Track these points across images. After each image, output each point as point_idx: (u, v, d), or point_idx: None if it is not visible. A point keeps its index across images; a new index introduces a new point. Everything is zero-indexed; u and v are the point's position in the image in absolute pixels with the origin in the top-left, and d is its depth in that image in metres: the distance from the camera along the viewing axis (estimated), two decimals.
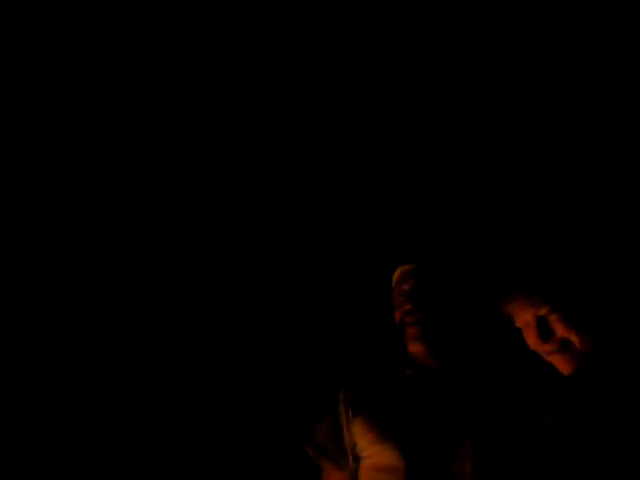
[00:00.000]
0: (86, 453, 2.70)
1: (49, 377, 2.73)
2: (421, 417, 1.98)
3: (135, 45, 2.73)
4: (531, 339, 1.67)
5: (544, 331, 1.65)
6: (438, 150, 2.76)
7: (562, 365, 1.65)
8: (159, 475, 2.69)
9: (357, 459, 2.08)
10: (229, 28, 2.73)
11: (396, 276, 2.16)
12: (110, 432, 2.70)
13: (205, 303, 2.78)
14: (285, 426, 2.64)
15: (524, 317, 1.68)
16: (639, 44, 2.53)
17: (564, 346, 1.63)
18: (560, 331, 1.63)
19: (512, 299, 1.70)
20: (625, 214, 2.41)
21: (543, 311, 1.65)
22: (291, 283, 2.80)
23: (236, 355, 2.76)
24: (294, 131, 2.82)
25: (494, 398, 1.98)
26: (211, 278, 2.80)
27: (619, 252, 2.03)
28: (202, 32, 2.73)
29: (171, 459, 2.71)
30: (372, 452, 2.02)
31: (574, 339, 1.62)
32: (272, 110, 2.80)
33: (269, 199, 2.83)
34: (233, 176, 2.83)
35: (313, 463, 2.18)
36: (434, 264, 2.12)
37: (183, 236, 2.82)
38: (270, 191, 2.83)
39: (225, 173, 2.83)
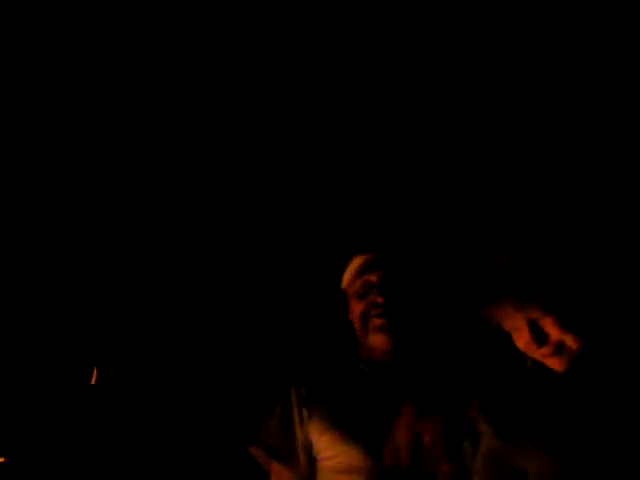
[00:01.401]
0: (86, 453, 2.65)
1: (49, 377, 2.70)
2: (382, 414, 1.86)
3: (135, 45, 2.67)
4: (523, 343, 1.60)
5: (538, 335, 1.57)
6: (401, 135, 2.75)
7: (558, 366, 1.58)
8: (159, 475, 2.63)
9: (312, 461, 1.94)
10: (229, 28, 2.67)
11: (357, 265, 2.06)
12: (110, 432, 2.66)
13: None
14: (232, 426, 2.57)
15: (514, 321, 1.61)
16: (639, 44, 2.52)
17: (559, 349, 1.55)
18: (555, 334, 1.56)
19: (500, 303, 1.63)
20: (616, 214, 2.41)
21: (535, 315, 1.57)
22: (237, 282, 2.78)
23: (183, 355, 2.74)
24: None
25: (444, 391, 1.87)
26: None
27: (610, 251, 1.97)
28: (202, 32, 2.68)
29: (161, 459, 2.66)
30: (334, 453, 1.88)
31: (569, 341, 1.55)
32: (272, 110, 2.78)
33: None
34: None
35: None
36: (399, 254, 2.05)
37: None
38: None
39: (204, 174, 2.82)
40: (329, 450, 1.88)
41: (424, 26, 2.63)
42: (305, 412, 1.96)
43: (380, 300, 1.96)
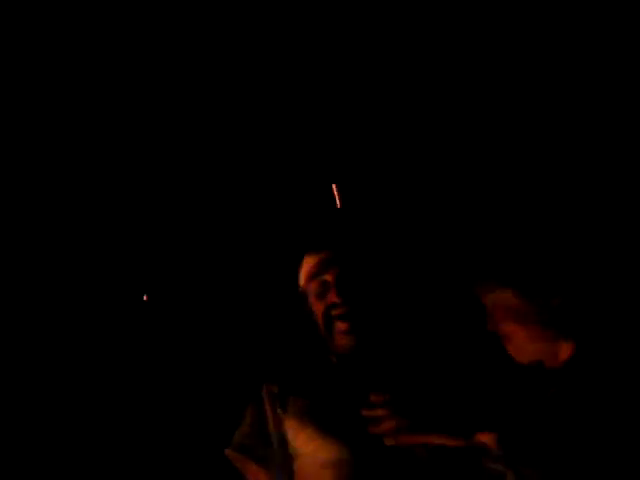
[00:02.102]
0: (86, 453, 2.66)
1: (49, 377, 2.71)
2: (356, 405, 1.80)
3: (135, 45, 2.69)
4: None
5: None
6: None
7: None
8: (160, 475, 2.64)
9: (288, 459, 1.93)
10: (229, 28, 2.69)
11: (311, 265, 2.01)
12: (110, 432, 2.67)
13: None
14: (204, 429, 2.56)
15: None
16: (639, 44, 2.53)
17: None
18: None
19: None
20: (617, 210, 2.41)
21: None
22: (204, 280, 2.78)
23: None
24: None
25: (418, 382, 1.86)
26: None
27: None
28: (202, 32, 2.70)
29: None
30: (312, 448, 1.87)
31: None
32: (271, 110, 2.77)
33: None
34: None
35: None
36: (352, 250, 2.01)
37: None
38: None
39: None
40: (307, 446, 1.87)
41: (424, 26, 2.65)
42: (279, 410, 1.94)
43: (338, 300, 1.92)
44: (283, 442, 1.93)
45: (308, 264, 2.01)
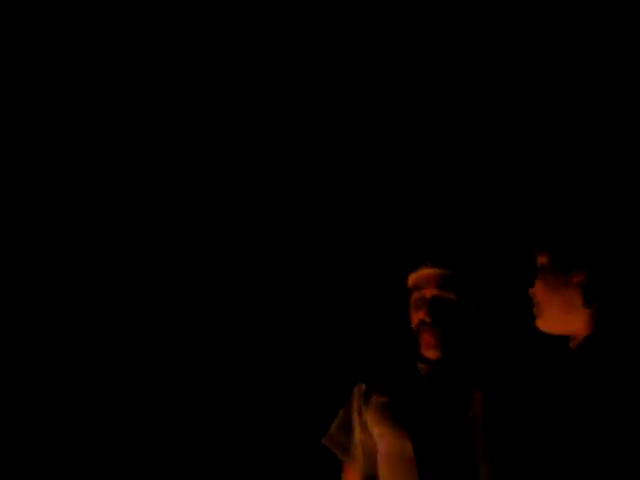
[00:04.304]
0: (86, 453, 2.75)
1: (49, 377, 2.79)
2: (431, 407, 2.05)
3: (135, 45, 2.76)
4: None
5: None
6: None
7: None
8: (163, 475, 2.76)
9: (372, 453, 2.15)
10: (229, 28, 2.76)
11: (416, 278, 2.15)
12: (110, 432, 2.77)
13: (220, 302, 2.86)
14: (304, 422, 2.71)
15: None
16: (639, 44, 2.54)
17: None
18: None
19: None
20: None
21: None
22: (307, 283, 2.87)
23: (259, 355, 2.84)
24: (298, 132, 2.86)
25: (501, 389, 2.06)
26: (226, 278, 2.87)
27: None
28: (202, 32, 2.77)
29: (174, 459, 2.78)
30: (386, 441, 2.09)
31: None
32: (272, 110, 2.84)
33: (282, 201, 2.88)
34: (236, 176, 2.88)
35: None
36: (455, 273, 2.11)
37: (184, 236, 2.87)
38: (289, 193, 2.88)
39: (225, 173, 2.87)
40: (382, 439, 2.09)
41: (424, 26, 2.69)
42: (363, 404, 2.15)
43: (428, 319, 2.07)
44: (365, 438, 2.15)
45: (418, 273, 2.14)
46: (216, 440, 2.83)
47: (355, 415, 2.18)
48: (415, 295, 2.13)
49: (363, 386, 2.20)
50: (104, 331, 2.83)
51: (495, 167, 2.78)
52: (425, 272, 2.13)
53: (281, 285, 2.87)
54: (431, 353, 2.10)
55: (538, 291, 1.70)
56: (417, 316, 2.11)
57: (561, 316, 1.68)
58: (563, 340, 1.72)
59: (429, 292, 2.09)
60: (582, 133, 2.67)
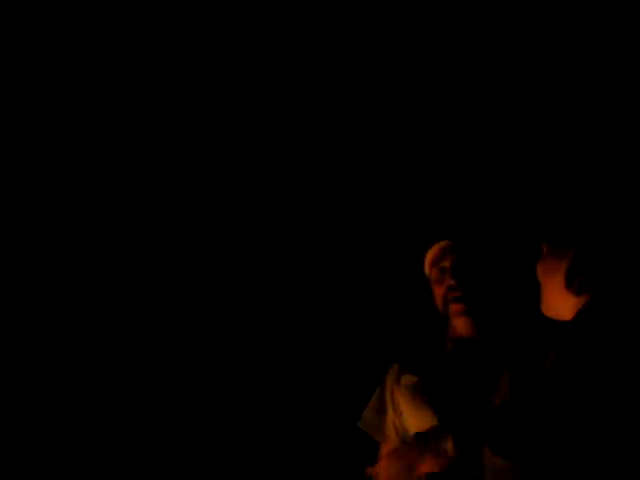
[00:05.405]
0: (86, 453, 2.77)
1: (49, 377, 2.80)
2: (459, 386, 2.08)
3: (135, 45, 2.77)
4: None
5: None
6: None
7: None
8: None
9: (406, 432, 2.17)
10: (229, 28, 2.77)
11: (433, 253, 2.24)
12: (110, 432, 2.79)
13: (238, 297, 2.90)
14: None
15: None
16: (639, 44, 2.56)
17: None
18: None
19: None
20: None
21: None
22: (337, 266, 2.91)
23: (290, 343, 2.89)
24: (302, 131, 2.88)
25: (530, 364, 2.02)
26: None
27: None
28: (202, 32, 2.78)
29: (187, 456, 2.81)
30: (415, 421, 2.12)
31: None
32: (272, 110, 2.86)
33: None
34: (245, 177, 2.90)
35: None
36: (469, 241, 2.21)
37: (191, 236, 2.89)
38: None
39: (224, 172, 2.89)
40: (411, 417, 2.14)
41: (424, 26, 2.71)
42: (395, 386, 2.21)
43: (452, 283, 2.14)
44: (397, 418, 2.20)
45: (430, 254, 2.24)
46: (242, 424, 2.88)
47: (388, 395, 2.23)
48: (434, 273, 2.21)
49: (396, 366, 2.25)
50: (104, 331, 2.84)
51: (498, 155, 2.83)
52: (437, 247, 2.23)
53: (311, 267, 2.91)
54: (462, 323, 2.15)
55: (539, 276, 1.75)
56: (442, 289, 2.18)
57: (551, 302, 1.72)
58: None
59: (447, 261, 2.18)
60: (582, 128, 2.70)
